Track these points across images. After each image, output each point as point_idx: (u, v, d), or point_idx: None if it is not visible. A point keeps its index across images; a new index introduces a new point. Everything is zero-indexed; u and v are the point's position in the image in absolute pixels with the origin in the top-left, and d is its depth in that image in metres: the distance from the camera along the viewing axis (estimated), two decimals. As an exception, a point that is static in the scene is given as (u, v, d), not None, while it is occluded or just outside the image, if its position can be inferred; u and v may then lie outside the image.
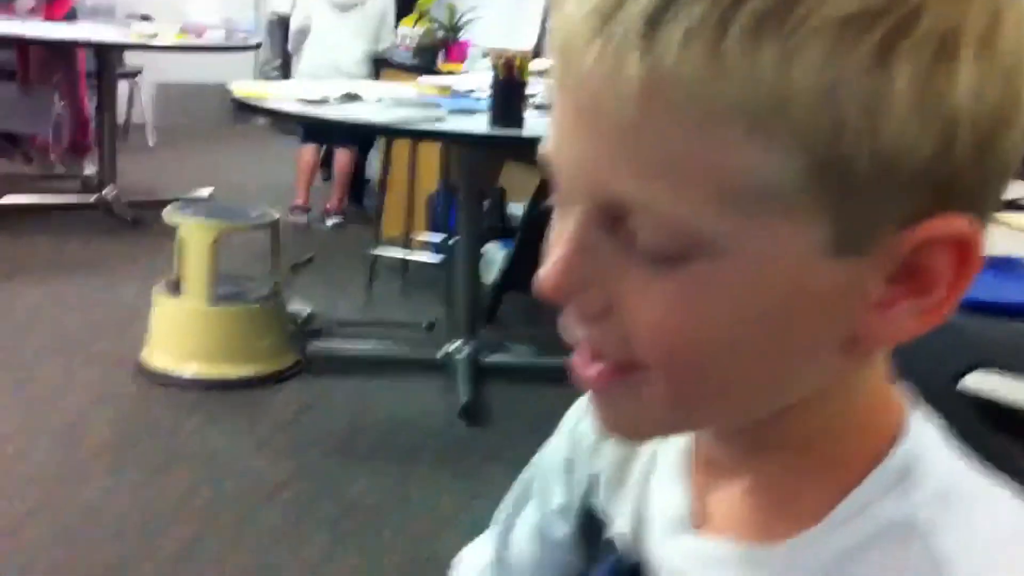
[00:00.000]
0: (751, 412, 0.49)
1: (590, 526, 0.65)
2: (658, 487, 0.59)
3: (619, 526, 0.62)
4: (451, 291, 3.46)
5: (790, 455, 0.51)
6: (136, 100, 6.96)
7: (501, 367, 3.35)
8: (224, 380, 3.12)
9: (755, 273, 0.43)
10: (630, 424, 0.51)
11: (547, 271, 0.47)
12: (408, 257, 4.23)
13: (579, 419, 0.68)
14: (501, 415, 3.05)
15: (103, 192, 4.98)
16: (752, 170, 0.41)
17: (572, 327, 0.49)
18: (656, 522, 0.58)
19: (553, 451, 0.70)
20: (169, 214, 3.25)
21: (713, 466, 0.56)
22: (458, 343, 3.25)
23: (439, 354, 3.27)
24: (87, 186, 5.28)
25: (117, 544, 2.28)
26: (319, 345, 3.41)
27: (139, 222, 4.75)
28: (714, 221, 0.42)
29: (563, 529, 0.68)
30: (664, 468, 0.59)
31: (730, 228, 0.42)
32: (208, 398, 3.05)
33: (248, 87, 3.28)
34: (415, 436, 2.93)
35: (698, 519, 0.55)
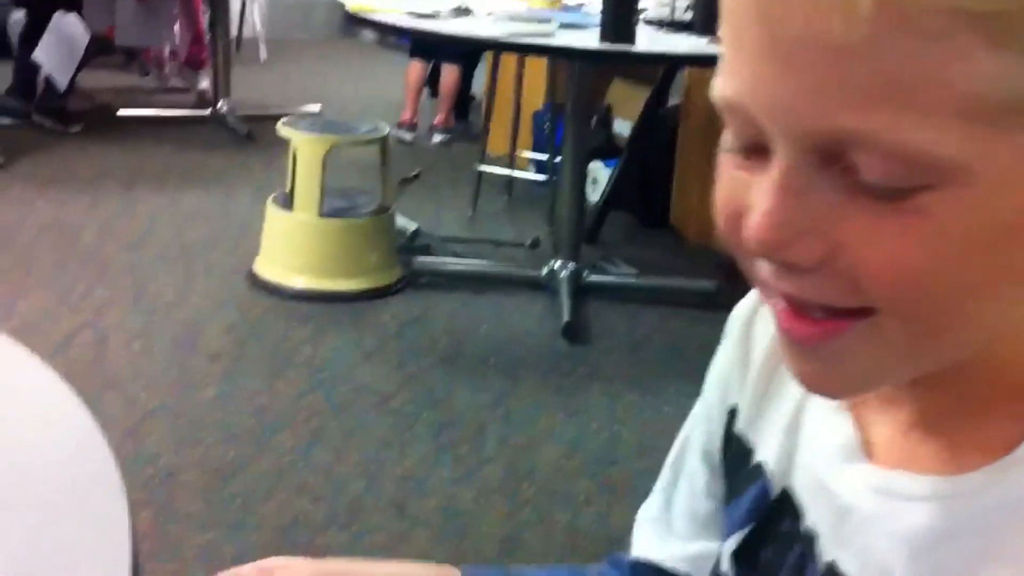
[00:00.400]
0: (976, 344, 0.46)
1: (733, 453, 0.64)
2: (815, 418, 0.57)
3: (762, 455, 0.61)
4: (555, 210, 3.46)
5: (975, 384, 0.49)
6: (248, 14, 7.05)
7: (602, 286, 3.35)
8: (332, 293, 3.20)
9: (997, 195, 0.41)
10: (856, 378, 0.48)
11: (755, 225, 0.43)
12: (513, 175, 4.24)
13: (714, 359, 0.67)
14: (601, 334, 3.06)
15: (217, 105, 5.10)
16: (996, 80, 0.39)
17: (776, 280, 0.45)
18: (815, 454, 0.56)
19: (700, 401, 0.69)
20: (282, 128, 3.32)
21: (873, 397, 0.54)
22: (561, 261, 3.26)
23: (542, 272, 3.29)
24: (202, 99, 5.40)
25: (230, 447, 2.39)
26: (424, 260, 3.46)
27: (252, 135, 4.85)
28: (956, 142, 0.39)
29: (703, 479, 0.69)
30: (821, 399, 0.56)
31: (973, 149, 0.39)
32: (317, 310, 3.14)
33: (359, 1, 3.29)
34: (516, 352, 2.97)
35: (866, 450, 0.54)
